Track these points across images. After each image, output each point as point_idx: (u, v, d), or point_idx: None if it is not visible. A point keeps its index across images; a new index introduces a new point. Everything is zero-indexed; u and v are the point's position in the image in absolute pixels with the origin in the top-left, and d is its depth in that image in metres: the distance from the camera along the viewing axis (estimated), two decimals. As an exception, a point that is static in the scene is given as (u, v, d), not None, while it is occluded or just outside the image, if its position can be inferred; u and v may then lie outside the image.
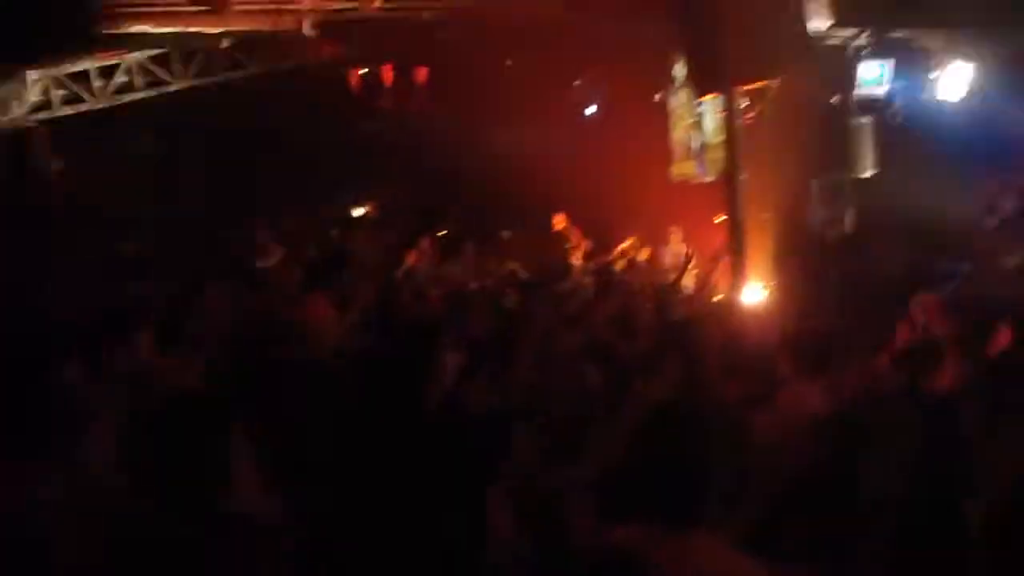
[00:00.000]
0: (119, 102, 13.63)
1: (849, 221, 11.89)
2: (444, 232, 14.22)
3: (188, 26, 12.13)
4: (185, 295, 7.00)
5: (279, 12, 11.68)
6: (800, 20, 10.00)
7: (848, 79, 11.84)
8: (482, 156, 16.33)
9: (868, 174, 11.93)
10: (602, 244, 13.98)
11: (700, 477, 3.06)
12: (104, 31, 11.47)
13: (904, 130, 11.81)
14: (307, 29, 11.85)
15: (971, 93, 11.77)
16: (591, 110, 15.91)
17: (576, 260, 13.03)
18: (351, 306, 7.00)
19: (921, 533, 3.42)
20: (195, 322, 5.21)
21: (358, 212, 16.90)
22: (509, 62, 13.44)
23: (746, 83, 11.31)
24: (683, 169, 14.05)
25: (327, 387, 4.67)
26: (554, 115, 15.57)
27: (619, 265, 13.07)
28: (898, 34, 11.44)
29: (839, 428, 4.74)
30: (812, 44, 10.50)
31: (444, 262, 12.87)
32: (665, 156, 14.37)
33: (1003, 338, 7.29)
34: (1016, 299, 10.50)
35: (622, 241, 13.49)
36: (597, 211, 14.92)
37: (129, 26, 11.71)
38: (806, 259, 11.43)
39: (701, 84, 11.70)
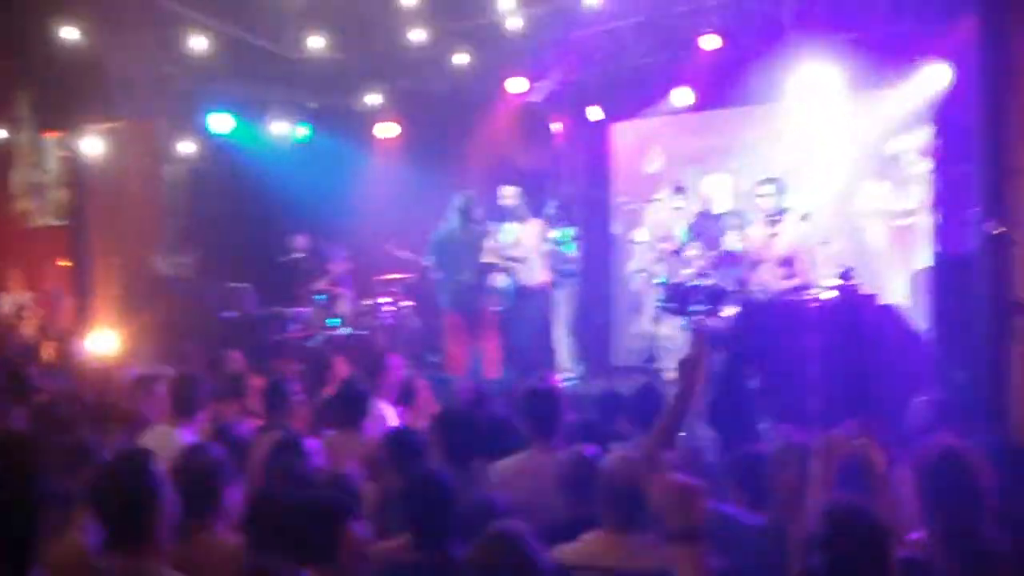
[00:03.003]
0: None
1: (196, 265, 11.92)
2: None
3: None
4: None
5: None
6: (157, 63, 9.94)
7: (196, 126, 11.97)
8: None
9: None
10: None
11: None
12: None
13: (249, 176, 12.13)
14: None
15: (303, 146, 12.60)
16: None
17: None
18: None
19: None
20: None
21: None
22: None
23: (93, 122, 11.01)
24: (24, 209, 13.25)
25: None
26: None
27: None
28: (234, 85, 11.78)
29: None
30: (164, 88, 10.49)
31: None
32: (5, 195, 13.43)
33: (341, 370, 7.93)
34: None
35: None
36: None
37: None
38: (156, 304, 11.29)
39: (44, 121, 11.19)
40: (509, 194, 10.64)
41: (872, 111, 10.57)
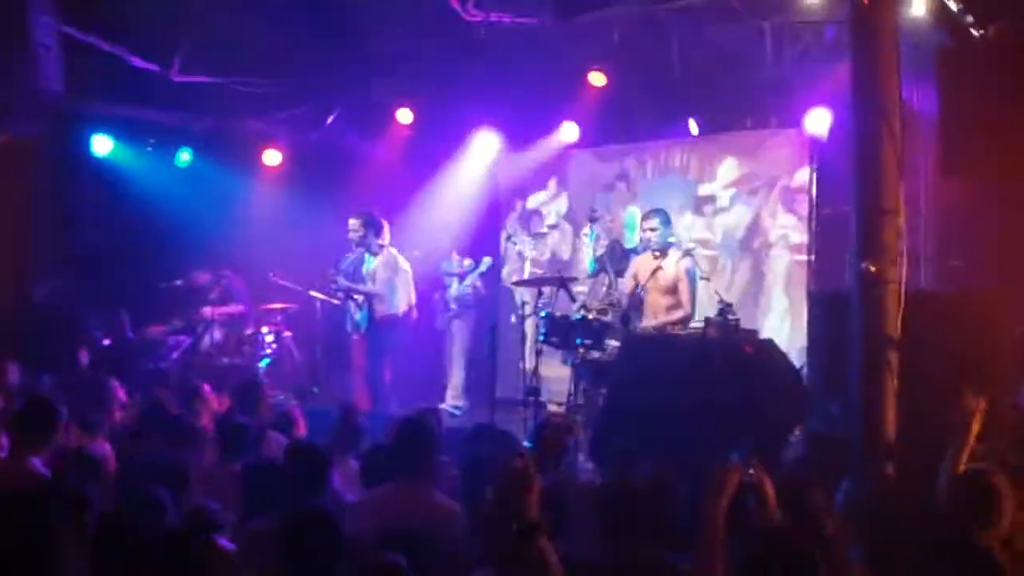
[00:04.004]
0: None
1: (71, 290, 11.56)
2: None
3: None
4: None
5: None
6: (34, 78, 9.58)
7: (76, 147, 11.70)
8: None
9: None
10: None
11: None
12: None
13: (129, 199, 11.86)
14: None
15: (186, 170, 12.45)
16: None
17: None
18: None
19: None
20: None
21: None
22: None
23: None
24: None
25: None
26: None
27: None
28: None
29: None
30: (42, 108, 10.17)
31: None
32: None
33: (221, 404, 7.72)
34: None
35: None
36: None
37: None
38: (27, 330, 10.89)
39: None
40: (354, 226, 10.24)
41: (759, 150, 10.81)
